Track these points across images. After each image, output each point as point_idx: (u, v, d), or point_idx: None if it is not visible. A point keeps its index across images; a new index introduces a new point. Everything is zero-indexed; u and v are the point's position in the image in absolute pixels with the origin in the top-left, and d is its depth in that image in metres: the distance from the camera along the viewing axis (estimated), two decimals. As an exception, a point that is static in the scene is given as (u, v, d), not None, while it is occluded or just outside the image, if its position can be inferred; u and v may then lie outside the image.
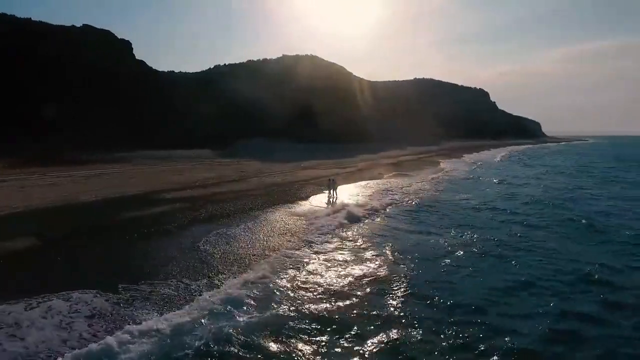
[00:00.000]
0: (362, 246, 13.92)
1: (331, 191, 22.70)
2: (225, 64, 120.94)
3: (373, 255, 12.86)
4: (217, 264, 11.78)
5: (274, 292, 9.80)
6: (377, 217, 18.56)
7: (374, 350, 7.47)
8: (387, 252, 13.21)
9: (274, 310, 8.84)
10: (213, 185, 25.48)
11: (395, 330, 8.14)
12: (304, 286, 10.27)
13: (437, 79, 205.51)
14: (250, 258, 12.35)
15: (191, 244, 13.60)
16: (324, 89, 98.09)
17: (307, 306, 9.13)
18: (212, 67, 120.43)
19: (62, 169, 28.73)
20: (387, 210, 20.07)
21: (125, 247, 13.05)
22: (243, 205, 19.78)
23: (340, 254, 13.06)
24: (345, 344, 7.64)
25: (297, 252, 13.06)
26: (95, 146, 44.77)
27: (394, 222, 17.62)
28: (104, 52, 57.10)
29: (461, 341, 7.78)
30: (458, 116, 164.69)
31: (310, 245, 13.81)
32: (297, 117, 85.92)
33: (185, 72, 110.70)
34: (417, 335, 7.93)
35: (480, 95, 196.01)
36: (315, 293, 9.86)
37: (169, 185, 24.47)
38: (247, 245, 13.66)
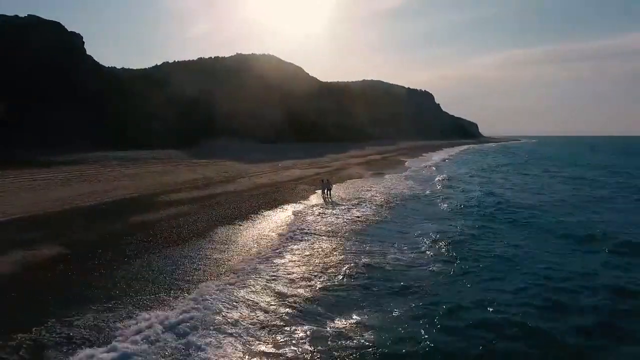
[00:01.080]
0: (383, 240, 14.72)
1: (325, 191, 23.31)
2: (175, 61, 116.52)
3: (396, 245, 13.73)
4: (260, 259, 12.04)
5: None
6: (384, 214, 19.48)
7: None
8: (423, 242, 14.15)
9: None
10: (205, 186, 25.02)
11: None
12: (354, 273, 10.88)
13: (384, 80, 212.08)
14: (280, 251, 12.71)
15: (225, 244, 13.67)
16: (282, 88, 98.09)
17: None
18: (159, 63, 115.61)
19: (30, 171, 26.51)
20: (390, 207, 21.07)
21: (165, 250, 12.78)
22: (250, 206, 19.81)
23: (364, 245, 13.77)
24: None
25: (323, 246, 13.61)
26: (50, 147, 41.52)
27: (404, 219, 18.65)
28: (52, 45, 52.91)
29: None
30: (407, 117, 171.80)
31: (339, 241, 14.39)
32: (258, 117, 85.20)
33: (131, 69, 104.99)
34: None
35: (426, 97, 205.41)
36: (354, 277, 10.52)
37: (161, 187, 23.69)
38: (276, 242, 13.96)
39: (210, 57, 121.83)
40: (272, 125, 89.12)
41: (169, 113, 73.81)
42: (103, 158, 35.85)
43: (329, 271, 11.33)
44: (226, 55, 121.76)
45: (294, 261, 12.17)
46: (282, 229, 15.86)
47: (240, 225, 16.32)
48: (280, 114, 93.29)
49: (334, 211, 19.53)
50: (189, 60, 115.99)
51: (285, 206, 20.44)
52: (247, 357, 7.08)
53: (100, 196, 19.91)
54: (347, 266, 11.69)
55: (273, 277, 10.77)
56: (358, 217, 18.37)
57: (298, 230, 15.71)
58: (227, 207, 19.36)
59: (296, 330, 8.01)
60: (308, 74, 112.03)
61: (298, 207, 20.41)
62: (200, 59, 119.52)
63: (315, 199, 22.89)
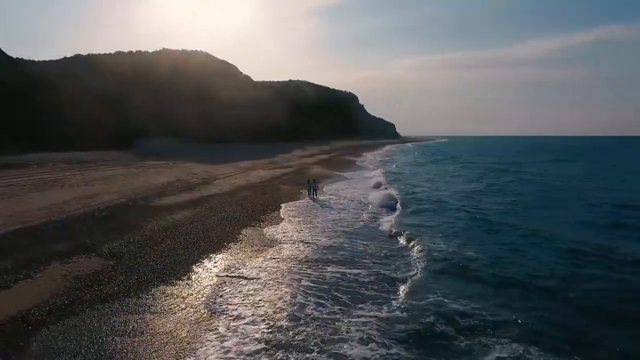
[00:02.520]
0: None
1: (312, 191, 23.77)
2: (89, 54, 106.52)
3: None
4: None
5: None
6: (378, 209, 20.73)
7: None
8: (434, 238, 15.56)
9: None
10: (188, 189, 23.96)
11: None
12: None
13: (309, 81, 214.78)
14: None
15: (269, 245, 13.76)
16: (216, 87, 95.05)
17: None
18: (69, 56, 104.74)
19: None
20: (382, 204, 22.39)
21: (213, 257, 12.49)
22: (253, 207, 19.69)
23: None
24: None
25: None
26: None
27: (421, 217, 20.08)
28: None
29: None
30: (335, 118, 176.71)
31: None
32: (190, 116, 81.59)
33: (32, 60, 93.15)
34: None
35: (351, 98, 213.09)
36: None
37: (143, 190, 22.17)
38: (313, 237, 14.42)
39: (131, 51, 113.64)
40: (206, 124, 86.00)
41: (91, 111, 67.55)
42: (44, 160, 32.08)
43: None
44: (150, 50, 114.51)
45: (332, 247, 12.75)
46: (304, 227, 16.23)
47: (259, 226, 16.31)
48: (214, 113, 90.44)
49: (337, 212, 20.25)
50: (105, 54, 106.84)
51: (285, 206, 20.66)
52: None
53: (88, 202, 18.20)
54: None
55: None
56: (366, 215, 19.37)
57: (320, 226, 16.24)
58: (230, 209, 18.94)
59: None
60: (242, 72, 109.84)
61: (299, 206, 20.80)
62: (118, 52, 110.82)
63: (308, 198, 23.30)
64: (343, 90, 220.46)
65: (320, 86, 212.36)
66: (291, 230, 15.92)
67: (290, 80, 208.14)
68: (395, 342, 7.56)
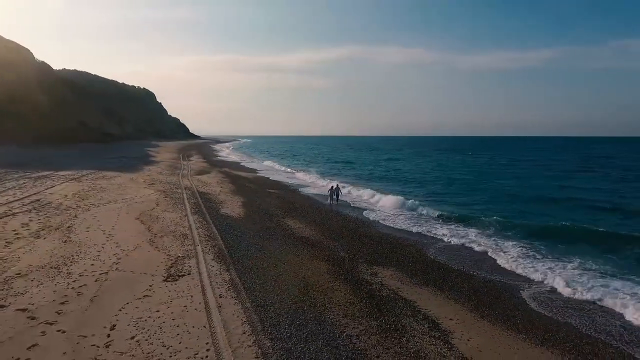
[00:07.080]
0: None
1: (333, 196, 25.21)
2: None
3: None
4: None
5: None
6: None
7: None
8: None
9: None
10: (208, 200, 22.27)
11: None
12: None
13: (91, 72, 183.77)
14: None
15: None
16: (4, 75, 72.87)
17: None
18: None
19: None
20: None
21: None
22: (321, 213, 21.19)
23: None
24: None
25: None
26: None
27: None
28: None
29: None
30: (135, 116, 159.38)
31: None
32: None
33: None
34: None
35: (147, 95, 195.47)
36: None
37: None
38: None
39: None
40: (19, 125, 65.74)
41: None
42: None
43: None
44: None
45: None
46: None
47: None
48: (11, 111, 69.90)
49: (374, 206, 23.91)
50: None
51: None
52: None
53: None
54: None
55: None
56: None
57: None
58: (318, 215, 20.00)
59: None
60: (37, 58, 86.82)
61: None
62: None
63: (329, 202, 25.03)
64: (137, 85, 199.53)
65: (108, 80, 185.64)
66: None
67: (64, 69, 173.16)
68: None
